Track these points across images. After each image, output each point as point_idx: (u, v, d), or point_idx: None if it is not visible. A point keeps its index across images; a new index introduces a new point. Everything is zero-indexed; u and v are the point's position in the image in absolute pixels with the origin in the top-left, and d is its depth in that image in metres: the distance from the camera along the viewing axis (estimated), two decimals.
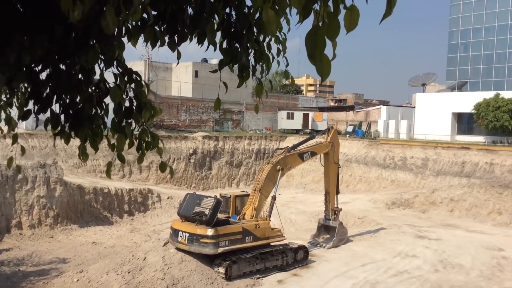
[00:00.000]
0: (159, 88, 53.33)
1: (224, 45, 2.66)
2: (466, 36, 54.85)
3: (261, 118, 56.51)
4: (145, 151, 2.78)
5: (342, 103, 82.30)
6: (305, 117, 54.68)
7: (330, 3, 1.79)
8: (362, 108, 63.82)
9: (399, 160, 40.73)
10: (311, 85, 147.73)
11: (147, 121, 2.76)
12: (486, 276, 18.93)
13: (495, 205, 30.13)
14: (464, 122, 49.02)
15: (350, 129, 54.66)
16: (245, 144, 45.96)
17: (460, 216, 30.70)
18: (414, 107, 54.85)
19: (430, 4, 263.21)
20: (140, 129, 2.73)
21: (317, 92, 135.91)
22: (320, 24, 1.61)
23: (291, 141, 43.39)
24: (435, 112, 49.03)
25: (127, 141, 2.69)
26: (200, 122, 50.59)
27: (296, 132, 53.07)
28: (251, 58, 2.74)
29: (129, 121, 2.68)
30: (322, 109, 63.03)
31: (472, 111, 44.30)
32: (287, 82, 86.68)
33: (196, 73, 57.57)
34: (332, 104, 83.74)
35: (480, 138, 44.79)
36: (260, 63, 2.76)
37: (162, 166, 2.84)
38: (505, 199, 30.01)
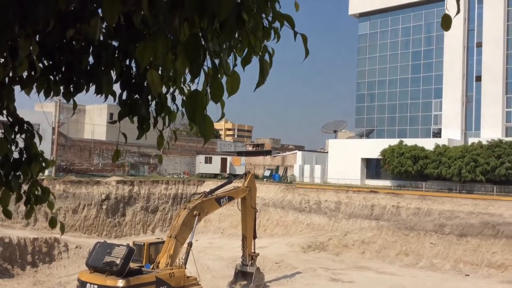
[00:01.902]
0: (71, 130, 51.10)
1: (124, 96, 2.63)
2: (372, 87, 59.13)
3: (179, 162, 55.88)
4: (34, 206, 2.61)
5: (260, 148, 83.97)
6: (223, 161, 54.93)
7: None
8: (279, 153, 65.58)
9: (314, 203, 41.91)
10: (229, 129, 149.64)
11: (37, 174, 2.60)
12: None
13: (402, 247, 31.76)
14: (372, 167, 51.96)
15: (267, 173, 55.64)
16: (161, 189, 44.91)
17: (370, 258, 31.91)
18: (327, 152, 57.35)
19: (340, 57, 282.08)
20: (29, 183, 2.57)
21: (236, 136, 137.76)
22: (208, 86, 1.67)
23: (209, 185, 43.13)
24: (346, 157, 51.58)
25: (14, 195, 2.52)
26: (115, 166, 48.86)
27: (214, 176, 52.98)
28: (153, 109, 2.73)
29: (17, 174, 2.52)
30: (240, 154, 63.79)
31: (379, 157, 47.16)
32: None
33: (111, 116, 56.03)
34: (250, 148, 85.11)
35: (387, 182, 47.56)
36: (162, 115, 2.76)
37: (52, 222, 2.67)
38: (411, 240, 31.79)
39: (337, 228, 38.12)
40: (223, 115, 1.85)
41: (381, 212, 38.38)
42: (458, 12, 1.96)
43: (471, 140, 45.41)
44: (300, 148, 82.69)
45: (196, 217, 20.32)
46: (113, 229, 39.85)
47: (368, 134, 58.93)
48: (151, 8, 1.73)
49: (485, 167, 39.72)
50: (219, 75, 1.84)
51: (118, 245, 17.55)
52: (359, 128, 60.72)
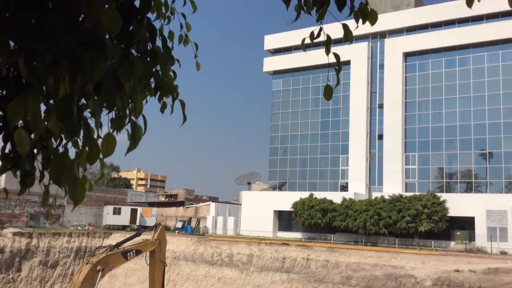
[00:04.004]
0: None
1: (7, 149, 2.48)
2: (285, 141, 61.25)
3: (85, 213, 52.85)
4: None
5: (173, 199, 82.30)
6: (133, 212, 52.90)
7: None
8: (192, 204, 64.61)
9: (226, 256, 41.36)
10: (141, 179, 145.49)
11: None
12: None
13: None
14: (284, 219, 52.85)
15: (179, 225, 54.33)
16: (63, 242, 41.97)
17: None
18: (241, 204, 57.56)
19: (255, 110, 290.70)
20: None
21: (148, 186, 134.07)
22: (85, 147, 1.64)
23: (116, 238, 41.09)
24: (259, 209, 52.11)
25: None
26: (12, 217, 45.05)
27: (123, 228, 50.66)
28: (39, 163, 2.58)
29: None
30: (152, 204, 61.90)
31: (291, 209, 48.19)
32: (116, 176, 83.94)
33: None
34: (162, 199, 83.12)
35: (298, 235, 48.46)
36: (49, 170, 2.62)
37: None
38: None
39: (249, 282, 37.73)
40: (102, 175, 1.83)
41: (292, 265, 38.74)
42: (338, 83, 2.13)
43: (374, 195, 48.04)
44: (214, 199, 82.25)
45: (100, 273, 19.07)
46: (6, 286, 36.30)
47: (280, 187, 60.25)
48: (28, 64, 1.69)
49: (387, 220, 42.01)
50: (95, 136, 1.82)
51: None
52: (272, 181, 61.94)
